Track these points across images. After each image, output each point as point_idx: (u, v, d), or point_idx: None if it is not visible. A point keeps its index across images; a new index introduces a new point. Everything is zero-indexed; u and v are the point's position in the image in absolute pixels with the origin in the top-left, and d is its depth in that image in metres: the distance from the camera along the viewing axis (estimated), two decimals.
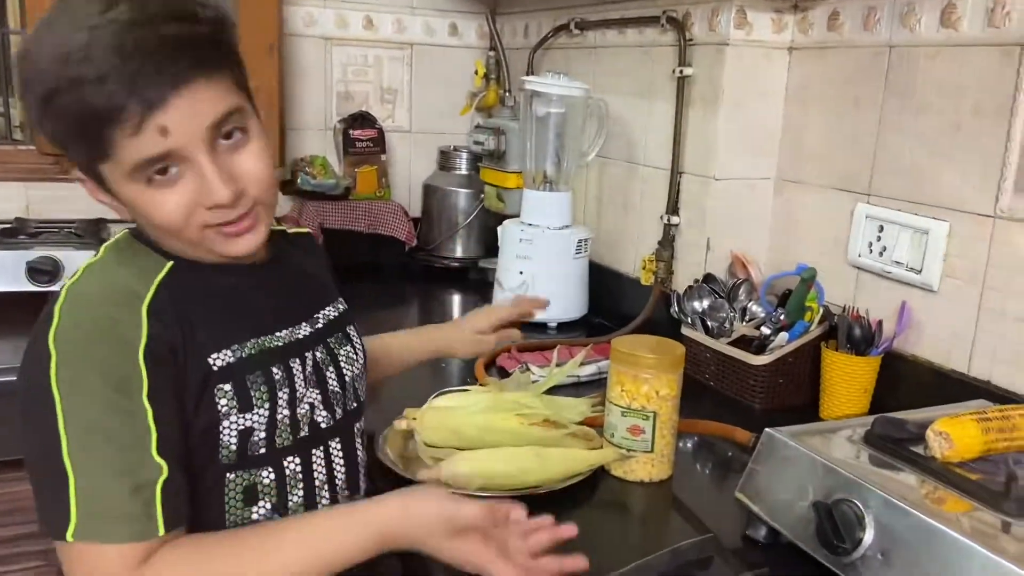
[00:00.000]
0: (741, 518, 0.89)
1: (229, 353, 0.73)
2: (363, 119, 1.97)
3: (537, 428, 1.01)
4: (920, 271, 1.16)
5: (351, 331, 0.90)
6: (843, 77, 1.29)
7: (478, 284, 1.89)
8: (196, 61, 0.67)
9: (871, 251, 1.24)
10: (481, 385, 1.21)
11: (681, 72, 1.43)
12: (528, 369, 1.29)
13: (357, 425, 0.88)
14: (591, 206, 1.75)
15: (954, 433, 0.78)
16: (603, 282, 1.67)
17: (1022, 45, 1.02)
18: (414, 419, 1.04)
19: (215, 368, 0.72)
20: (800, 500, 0.80)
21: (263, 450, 0.75)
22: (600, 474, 1.00)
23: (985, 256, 1.08)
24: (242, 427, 0.73)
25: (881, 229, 1.22)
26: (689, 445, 1.13)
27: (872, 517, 0.73)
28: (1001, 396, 1.04)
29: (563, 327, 1.61)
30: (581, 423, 1.06)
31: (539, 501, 0.92)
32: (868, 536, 0.73)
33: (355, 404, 0.87)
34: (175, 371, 0.69)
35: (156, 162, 0.68)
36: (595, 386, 1.27)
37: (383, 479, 0.94)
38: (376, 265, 1.95)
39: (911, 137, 1.18)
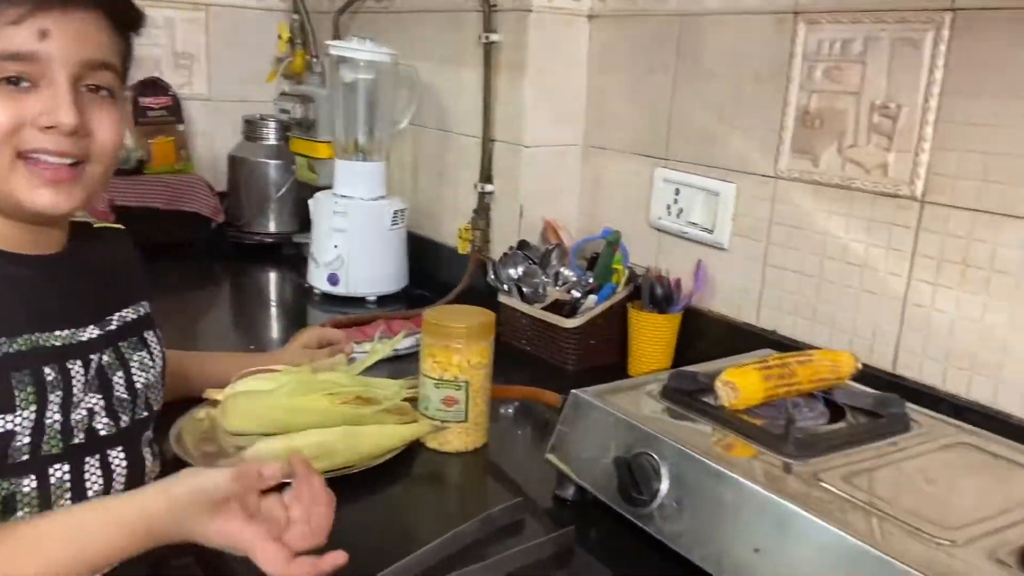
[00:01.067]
0: (554, 479, 0.90)
1: None
2: (154, 86, 1.81)
3: (348, 407, 0.97)
4: (713, 231, 1.23)
5: (149, 337, 0.84)
6: (639, 45, 1.32)
7: (294, 260, 1.80)
8: (107, 1, 0.70)
9: (669, 213, 1.29)
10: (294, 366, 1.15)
11: (487, 38, 1.41)
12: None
13: (146, 434, 0.82)
14: (406, 175, 1.72)
15: (739, 382, 0.82)
16: (422, 252, 1.65)
17: (795, 12, 1.08)
18: (215, 404, 0.97)
19: None
20: (604, 457, 0.82)
21: (26, 456, 0.68)
22: (416, 448, 0.98)
23: (768, 214, 1.15)
24: (1, 430, 0.66)
25: (678, 192, 1.28)
26: (510, 411, 1.14)
27: (667, 468, 0.76)
28: (786, 344, 1.11)
29: (383, 300, 1.57)
30: (406, 399, 1.03)
31: (352, 481, 0.90)
32: (664, 486, 0.75)
33: (145, 413, 0.81)
34: None
35: (18, 61, 0.66)
36: (415, 358, 1.25)
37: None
38: (180, 244, 1.80)
39: (701, 103, 1.23)
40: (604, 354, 1.29)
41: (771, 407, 0.84)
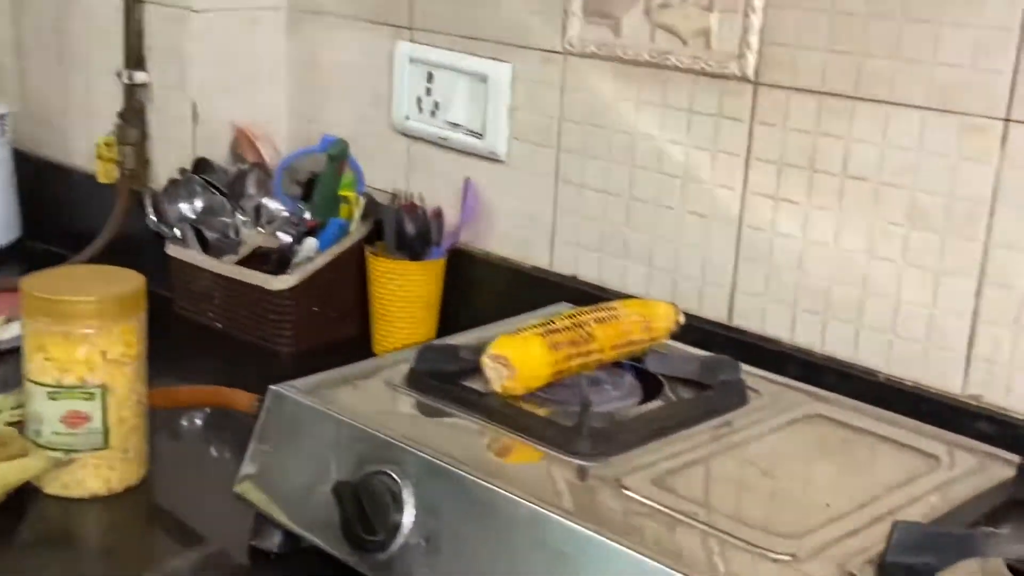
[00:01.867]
0: (251, 522, 0.88)
1: None
2: None
3: None
4: (483, 135, 1.24)
5: None
6: None
7: None
8: None
9: (421, 110, 1.30)
10: None
11: None
12: None
13: None
14: (6, 61, 1.64)
15: (515, 356, 0.83)
16: (41, 183, 1.60)
17: None
18: None
19: None
20: (322, 483, 0.81)
21: None
22: (28, 496, 0.94)
23: (558, 108, 1.18)
24: None
25: (431, 78, 1.28)
26: (198, 423, 1.13)
27: (411, 491, 0.76)
28: (591, 294, 1.15)
29: None
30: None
31: None
32: (407, 518, 0.75)
33: None
34: None
35: None
36: None
37: None
38: None
39: None
40: (334, 326, 1.30)
41: (563, 387, 0.86)
